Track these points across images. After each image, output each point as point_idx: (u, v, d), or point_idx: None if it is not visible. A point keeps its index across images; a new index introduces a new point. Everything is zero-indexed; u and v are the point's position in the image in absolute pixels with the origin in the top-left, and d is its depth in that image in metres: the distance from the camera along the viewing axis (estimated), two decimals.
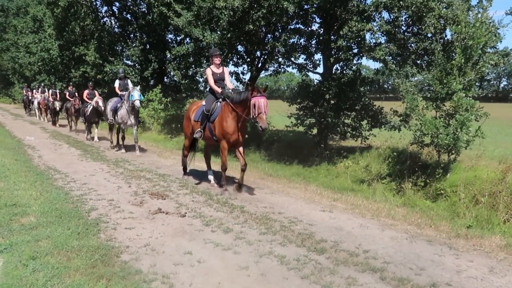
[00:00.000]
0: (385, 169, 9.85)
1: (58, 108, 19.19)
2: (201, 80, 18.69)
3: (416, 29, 11.43)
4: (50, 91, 21.00)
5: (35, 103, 24.14)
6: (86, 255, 4.09)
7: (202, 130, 7.33)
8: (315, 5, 11.41)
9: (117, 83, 12.38)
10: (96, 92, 15.35)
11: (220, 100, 7.15)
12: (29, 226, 4.89)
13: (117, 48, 20.90)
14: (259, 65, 17.39)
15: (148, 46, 18.93)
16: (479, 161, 8.48)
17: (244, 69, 17.49)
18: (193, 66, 17.65)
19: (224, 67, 7.50)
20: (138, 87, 11.37)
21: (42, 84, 24.94)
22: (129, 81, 12.51)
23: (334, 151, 11.99)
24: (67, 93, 17.98)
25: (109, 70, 18.88)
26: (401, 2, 10.05)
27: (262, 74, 19.12)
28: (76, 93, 18.00)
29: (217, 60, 7.32)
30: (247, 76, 17.50)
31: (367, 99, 12.43)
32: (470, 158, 8.67)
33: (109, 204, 6.15)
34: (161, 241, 4.67)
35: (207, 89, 7.40)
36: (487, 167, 8.03)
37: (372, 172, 9.97)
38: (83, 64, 22.04)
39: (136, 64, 19.32)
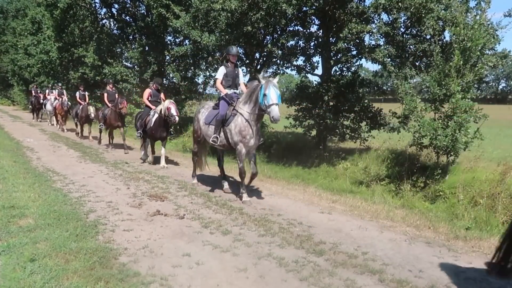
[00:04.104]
0: (384, 171, 9.85)
1: (93, 115, 14.41)
2: (199, 81, 18.73)
3: (414, 31, 11.47)
4: (77, 93, 16.23)
5: (48, 106, 20.37)
6: (84, 257, 4.08)
7: None
8: (314, 7, 11.43)
9: (221, 73, 7.04)
10: (162, 95, 10.71)
11: None
12: (27, 228, 4.88)
13: (116, 50, 20.92)
14: (258, 66, 17.42)
15: (147, 48, 18.94)
16: (477, 162, 8.49)
17: (243, 70, 17.52)
18: (192, 68, 17.67)
19: None
20: (276, 80, 6.36)
21: (60, 84, 21.19)
22: (240, 70, 7.45)
23: (333, 152, 11.98)
24: (106, 95, 13.12)
25: (108, 72, 18.87)
26: (400, 4, 10.07)
27: (261, 75, 19.08)
28: (117, 94, 13.13)
29: None
30: (246, 78, 17.51)
31: (366, 100, 12.45)
32: (469, 159, 8.68)
33: (108, 206, 6.14)
34: (160, 243, 4.66)
35: None
36: (486, 169, 8.05)
37: (371, 174, 9.97)
38: (82, 65, 22.05)
39: (135, 66, 19.33)
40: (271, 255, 4.33)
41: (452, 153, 8.20)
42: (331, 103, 12.47)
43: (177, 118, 9.23)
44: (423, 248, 4.68)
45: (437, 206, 7.67)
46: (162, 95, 10.56)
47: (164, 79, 19.63)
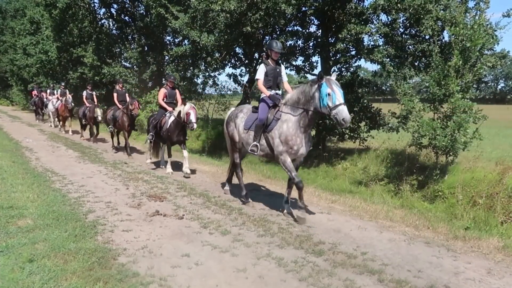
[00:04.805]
0: (383, 171, 9.85)
1: (100, 118, 13.66)
2: (199, 81, 18.72)
3: (413, 31, 11.46)
4: (85, 92, 15.29)
5: (50, 106, 19.60)
6: (83, 257, 4.08)
7: None
8: (313, 7, 11.44)
9: (261, 72, 6.25)
10: (178, 92, 9.90)
11: None
12: (26, 228, 4.87)
13: (115, 50, 20.91)
14: (258, 67, 17.36)
15: (146, 48, 18.93)
16: (476, 162, 8.49)
17: (242, 71, 17.51)
18: (191, 68, 17.66)
19: None
20: (334, 76, 5.53)
21: (63, 84, 20.07)
22: (283, 68, 6.50)
23: (332, 152, 11.98)
24: (115, 95, 12.34)
25: (107, 72, 18.86)
26: (398, 5, 10.07)
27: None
28: (127, 94, 12.75)
29: None
30: (245, 78, 17.51)
31: (365, 100, 12.45)
32: (468, 159, 8.68)
33: (107, 206, 6.14)
34: (159, 243, 4.66)
35: None
36: (485, 169, 8.05)
37: (370, 174, 9.96)
38: (81, 65, 22.05)
39: (134, 66, 19.32)
40: (270, 255, 4.34)
41: (451, 153, 8.20)
42: None
43: (195, 126, 8.41)
44: (422, 248, 4.69)
45: (436, 206, 7.67)
46: (178, 94, 9.81)
47: (164, 79, 19.62)
